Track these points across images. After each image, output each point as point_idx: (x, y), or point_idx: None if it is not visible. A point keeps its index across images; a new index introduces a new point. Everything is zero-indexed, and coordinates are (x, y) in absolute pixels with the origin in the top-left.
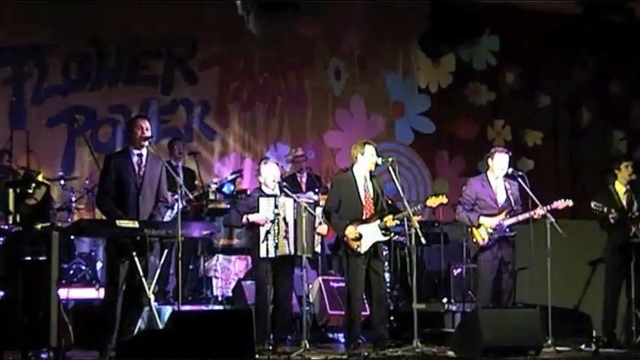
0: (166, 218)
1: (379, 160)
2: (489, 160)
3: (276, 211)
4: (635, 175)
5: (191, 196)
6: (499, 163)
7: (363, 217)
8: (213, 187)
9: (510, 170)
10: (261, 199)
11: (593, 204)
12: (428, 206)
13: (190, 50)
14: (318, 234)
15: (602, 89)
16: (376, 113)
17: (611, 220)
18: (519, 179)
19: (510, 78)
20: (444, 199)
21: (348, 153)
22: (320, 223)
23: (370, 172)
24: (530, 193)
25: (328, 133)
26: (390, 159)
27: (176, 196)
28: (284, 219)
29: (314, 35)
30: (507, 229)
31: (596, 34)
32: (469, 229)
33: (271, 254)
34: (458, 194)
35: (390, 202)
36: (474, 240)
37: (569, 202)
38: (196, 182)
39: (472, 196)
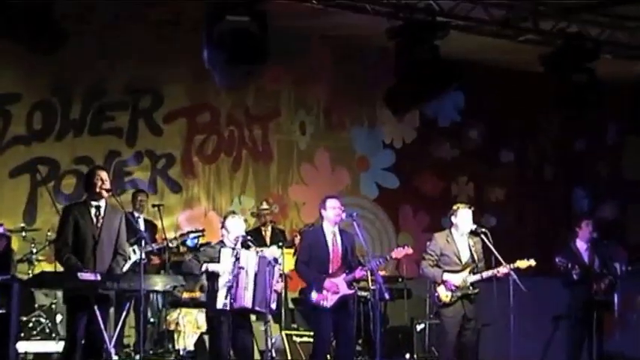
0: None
1: (343, 215)
2: (453, 216)
3: (239, 264)
4: (595, 233)
5: (153, 248)
6: (463, 219)
7: (330, 271)
8: (175, 243)
9: (474, 227)
10: (223, 249)
11: (557, 259)
12: (393, 258)
13: (156, 102)
14: (275, 291)
15: (566, 147)
16: (341, 167)
17: (574, 277)
18: (482, 236)
19: (474, 134)
20: (409, 250)
21: (313, 207)
22: (278, 281)
23: (339, 227)
24: (493, 250)
25: (293, 186)
26: (354, 213)
27: (134, 248)
28: (246, 272)
29: (280, 88)
30: (470, 287)
31: (561, 93)
32: (433, 286)
33: (228, 307)
34: (422, 249)
35: (358, 256)
36: (438, 296)
37: (532, 262)
38: (158, 236)
39: (436, 252)
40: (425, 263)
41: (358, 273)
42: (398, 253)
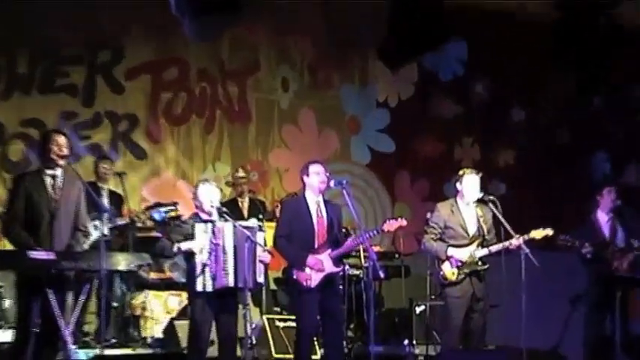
0: (85, 248)
1: (331, 183)
2: (457, 183)
3: (215, 239)
4: (619, 200)
5: (118, 223)
6: (469, 186)
7: (315, 246)
8: (143, 217)
9: (482, 195)
10: (197, 225)
11: (560, 237)
12: (386, 231)
13: (116, 56)
14: (261, 262)
15: (585, 104)
16: (329, 129)
17: (587, 255)
18: (491, 205)
19: (480, 90)
20: (402, 222)
21: (296, 174)
22: (263, 250)
23: (324, 196)
24: (502, 220)
25: (274, 151)
26: (344, 181)
27: (96, 223)
28: (223, 248)
29: (259, 40)
30: (479, 262)
31: (578, 42)
32: (437, 262)
33: (209, 288)
34: (421, 221)
35: (344, 230)
36: (442, 274)
37: (549, 231)
38: (124, 208)
39: (440, 224)
40: (427, 237)
41: (346, 247)
42: (390, 225)
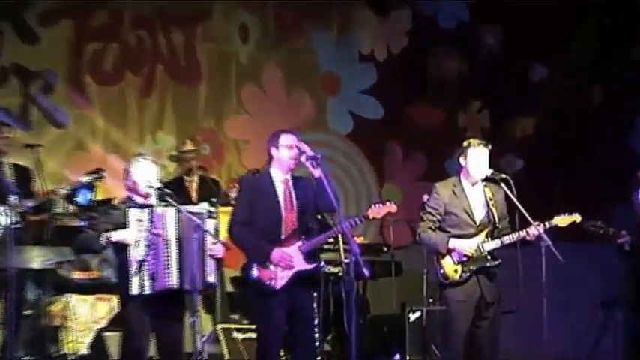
0: None
1: (302, 157)
2: (461, 158)
3: (155, 228)
4: None
5: (27, 206)
6: (476, 161)
7: (282, 237)
8: (62, 193)
9: (490, 172)
10: (131, 211)
11: (589, 224)
12: (372, 219)
13: None
14: (213, 257)
15: (622, 57)
16: (300, 90)
17: (625, 246)
18: (503, 185)
19: (490, 41)
20: (392, 207)
21: (259, 147)
22: (216, 242)
23: (293, 173)
24: (518, 204)
25: (231, 119)
26: (318, 156)
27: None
28: (165, 240)
29: None
30: (488, 257)
31: None
32: (435, 257)
33: (147, 290)
34: (415, 206)
35: (321, 217)
36: (442, 272)
37: (577, 217)
38: (35, 187)
39: (439, 210)
40: (423, 226)
41: (322, 239)
42: (376, 211)
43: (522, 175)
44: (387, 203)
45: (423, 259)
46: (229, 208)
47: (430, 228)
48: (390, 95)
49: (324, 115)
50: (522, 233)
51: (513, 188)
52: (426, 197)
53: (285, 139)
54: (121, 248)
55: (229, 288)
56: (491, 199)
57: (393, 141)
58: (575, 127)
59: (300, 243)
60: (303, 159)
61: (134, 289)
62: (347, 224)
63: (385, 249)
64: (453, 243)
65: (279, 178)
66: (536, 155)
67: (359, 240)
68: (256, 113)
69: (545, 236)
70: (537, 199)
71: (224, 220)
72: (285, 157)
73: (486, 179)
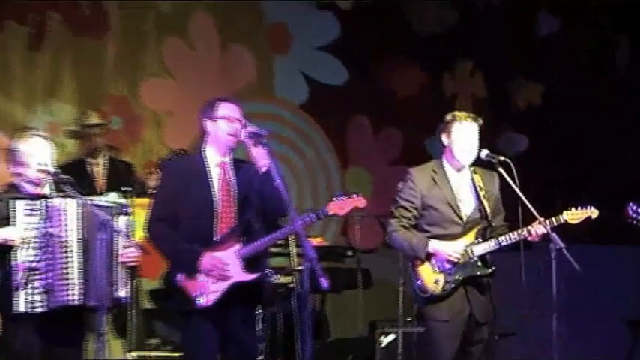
0: None
1: (242, 134)
2: (444, 135)
3: (50, 225)
4: None
5: None
6: (463, 139)
7: (216, 238)
8: None
9: (485, 154)
10: (17, 203)
11: (630, 208)
12: (330, 215)
13: None
14: (124, 264)
15: None
16: (239, 46)
17: None
18: (501, 170)
19: None
20: (359, 202)
21: (186, 121)
22: (129, 245)
23: (232, 155)
24: (520, 195)
25: (149, 82)
26: (263, 132)
27: None
28: (62, 242)
29: None
30: (479, 264)
31: None
32: (411, 264)
33: (39, 307)
34: (391, 198)
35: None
36: (420, 284)
37: (593, 212)
38: None
39: (415, 203)
40: (395, 223)
41: (267, 241)
42: (339, 206)
43: (526, 157)
44: (354, 196)
45: (399, 266)
46: (147, 200)
47: (404, 226)
48: (356, 54)
49: (269, 80)
50: (524, 233)
51: (515, 174)
52: (400, 185)
53: (225, 110)
54: (3, 251)
55: (146, 304)
56: (482, 189)
57: (360, 113)
58: (595, 95)
59: (238, 246)
60: (243, 136)
61: (20, 306)
62: (300, 222)
63: (350, 253)
64: (434, 246)
65: (215, 160)
66: (544, 132)
67: (315, 242)
68: (182, 76)
69: (555, 236)
70: (545, 188)
71: (140, 216)
72: (224, 134)
73: (477, 163)
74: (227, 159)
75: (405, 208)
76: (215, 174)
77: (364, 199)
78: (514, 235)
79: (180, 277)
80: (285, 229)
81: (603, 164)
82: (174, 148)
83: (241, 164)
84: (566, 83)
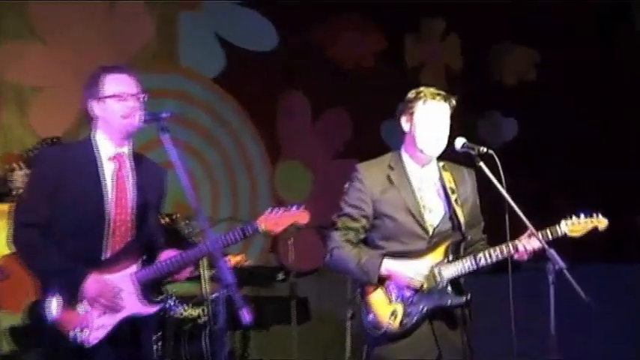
0: None
1: (135, 119)
2: (405, 119)
3: None
4: None
5: None
6: (430, 125)
7: (105, 254)
8: None
9: (459, 144)
10: None
11: None
12: (260, 231)
13: None
14: None
15: None
16: None
17: None
18: (481, 166)
19: None
20: (299, 216)
21: (61, 97)
22: None
23: (133, 148)
24: (507, 198)
25: (8, 48)
26: (163, 114)
27: None
28: None
29: None
30: (449, 290)
31: None
32: (360, 292)
33: None
34: (333, 202)
35: (173, 217)
36: (373, 317)
37: (601, 221)
38: None
39: (365, 210)
40: (338, 238)
41: (172, 264)
42: (272, 221)
43: (515, 148)
44: (293, 208)
45: (345, 295)
46: (8, 205)
47: (349, 241)
48: (289, 10)
49: (173, 44)
50: (510, 248)
51: (500, 171)
52: (346, 187)
53: (115, 84)
54: None
55: (5, 347)
56: (454, 191)
57: (296, 89)
58: (604, 69)
59: (135, 268)
60: (136, 121)
61: None
62: (220, 241)
63: (281, 276)
64: (389, 267)
65: (108, 151)
66: (540, 115)
67: (235, 261)
68: (55, 40)
69: (552, 253)
70: (539, 188)
71: (1, 227)
72: (116, 116)
73: (448, 156)
74: (125, 149)
75: (351, 216)
76: (107, 169)
77: (307, 212)
78: (497, 252)
79: (53, 306)
80: (198, 248)
81: (615, 157)
82: (45, 137)
83: (144, 160)
84: (568, 50)
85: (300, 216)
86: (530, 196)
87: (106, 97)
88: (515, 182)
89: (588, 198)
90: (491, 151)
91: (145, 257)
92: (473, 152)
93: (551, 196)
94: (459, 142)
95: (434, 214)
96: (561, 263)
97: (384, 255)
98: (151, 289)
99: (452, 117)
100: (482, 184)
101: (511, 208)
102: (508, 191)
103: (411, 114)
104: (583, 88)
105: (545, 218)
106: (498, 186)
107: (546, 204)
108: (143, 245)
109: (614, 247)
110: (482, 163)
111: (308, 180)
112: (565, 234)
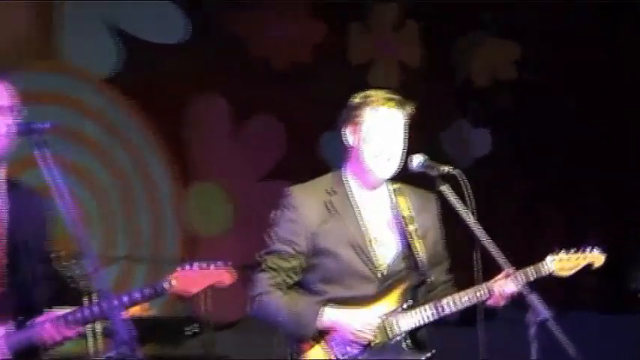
0: None
1: (7, 132)
2: (351, 130)
3: None
4: None
5: None
6: (381, 138)
7: None
8: None
9: (418, 162)
10: None
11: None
12: (171, 290)
13: None
14: None
15: None
16: None
17: None
18: (444, 190)
19: None
20: (224, 276)
21: None
22: None
23: (6, 167)
24: (476, 230)
25: None
26: (42, 126)
27: None
28: None
29: None
30: (409, 343)
31: None
32: (296, 349)
33: None
34: (257, 238)
35: (56, 256)
36: None
37: (596, 257)
38: None
39: (299, 244)
40: (265, 281)
41: (53, 331)
42: (189, 280)
43: (489, 166)
44: (212, 266)
45: (275, 352)
46: None
47: (279, 285)
48: None
49: (55, 34)
50: (481, 293)
51: (469, 195)
52: (274, 217)
53: None
54: None
55: None
56: (411, 222)
57: (212, 92)
58: (602, 67)
59: (2, 331)
60: (7, 137)
61: None
62: (122, 302)
63: (193, 330)
64: (331, 317)
65: None
66: (520, 124)
67: (133, 311)
68: None
69: (534, 300)
70: (518, 216)
71: None
72: None
73: (404, 178)
74: None
75: (281, 254)
76: None
77: (232, 271)
78: (467, 297)
79: None
80: (90, 310)
81: (612, 178)
82: None
83: (20, 186)
84: (556, 45)
85: (223, 276)
86: (506, 228)
87: None
88: (487, 209)
89: (579, 230)
90: (456, 171)
91: (21, 318)
92: (433, 172)
93: (534, 227)
94: (417, 159)
95: (386, 250)
96: (545, 313)
97: (325, 302)
98: (25, 358)
99: (408, 128)
100: (449, 211)
101: (480, 241)
102: (481, 220)
103: (357, 124)
104: (575, 89)
105: (523, 255)
106: (464, 215)
107: (527, 238)
108: (19, 299)
109: (613, 291)
110: (445, 187)
111: (228, 207)
112: (551, 273)
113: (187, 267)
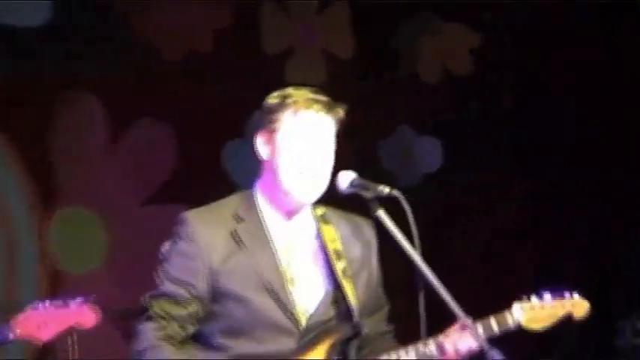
0: None
1: None
2: (264, 139)
3: None
4: None
5: None
6: (302, 150)
7: None
8: None
9: (349, 181)
10: None
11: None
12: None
13: None
14: None
15: None
16: None
17: None
18: (381, 216)
19: None
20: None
21: None
22: None
23: None
24: (421, 267)
25: None
26: None
27: None
28: None
29: None
30: None
31: None
32: None
33: None
34: (141, 276)
35: None
36: None
37: (577, 304)
38: None
39: (196, 287)
40: (151, 333)
41: None
42: (33, 325)
43: (439, 184)
44: (72, 304)
45: None
46: None
47: (170, 337)
48: None
49: None
50: (430, 349)
51: (412, 222)
52: (164, 251)
53: None
54: None
55: None
56: (340, 257)
57: (84, 90)
58: (604, 65)
59: None
60: None
61: None
62: None
63: None
64: None
65: None
66: (476, 133)
67: None
68: None
69: (495, 356)
70: (475, 249)
71: None
72: None
73: (331, 201)
74: None
75: (172, 298)
76: None
77: (95, 310)
78: (412, 354)
79: None
80: None
81: (612, 178)
82: None
83: None
84: (527, 32)
85: (83, 316)
86: (462, 264)
87: None
88: (436, 240)
89: (555, 268)
90: (396, 193)
91: None
92: (368, 194)
93: (495, 264)
94: (346, 177)
95: (308, 294)
96: None
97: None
98: None
99: (337, 137)
100: (387, 243)
101: (428, 281)
102: (425, 254)
103: (273, 132)
104: (550, 90)
105: (482, 301)
106: (406, 247)
107: (486, 278)
108: None
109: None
110: (380, 212)
111: (102, 238)
112: (519, 324)
113: (40, 306)
